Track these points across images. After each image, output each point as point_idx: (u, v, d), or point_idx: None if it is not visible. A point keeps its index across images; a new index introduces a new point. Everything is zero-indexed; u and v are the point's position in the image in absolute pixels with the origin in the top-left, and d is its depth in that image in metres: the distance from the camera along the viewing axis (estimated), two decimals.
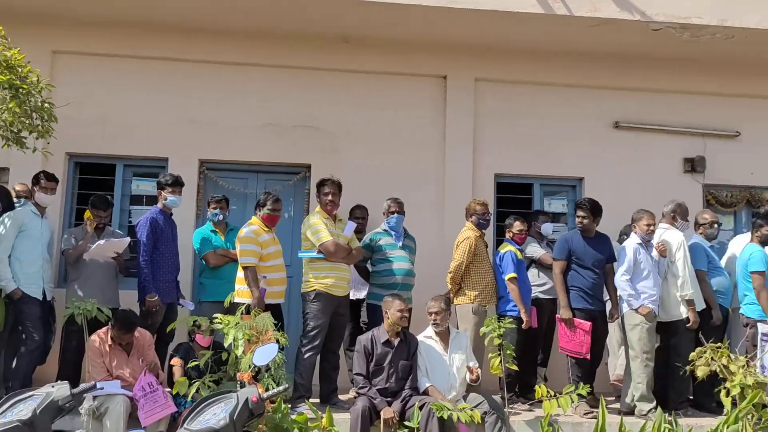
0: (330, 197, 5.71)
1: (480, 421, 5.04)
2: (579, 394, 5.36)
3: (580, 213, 5.98)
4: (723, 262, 6.44)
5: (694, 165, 7.32)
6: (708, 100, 7.48)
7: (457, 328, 5.84)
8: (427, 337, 5.49)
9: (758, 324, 5.73)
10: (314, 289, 5.55)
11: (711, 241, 6.42)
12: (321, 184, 5.81)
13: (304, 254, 5.68)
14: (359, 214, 6.48)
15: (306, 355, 5.51)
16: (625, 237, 6.39)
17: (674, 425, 5.19)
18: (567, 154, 7.24)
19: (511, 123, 7.23)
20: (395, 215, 6.06)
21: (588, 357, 5.75)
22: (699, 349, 5.52)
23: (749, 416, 5.10)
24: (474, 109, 7.14)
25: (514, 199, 7.30)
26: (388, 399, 5.09)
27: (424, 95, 7.18)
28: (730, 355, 5.38)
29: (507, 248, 6.03)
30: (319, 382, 5.73)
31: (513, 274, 5.87)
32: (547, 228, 6.67)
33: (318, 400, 5.63)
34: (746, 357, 5.45)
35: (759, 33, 6.46)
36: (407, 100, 7.15)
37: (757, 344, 5.65)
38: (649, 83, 7.37)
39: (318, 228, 5.55)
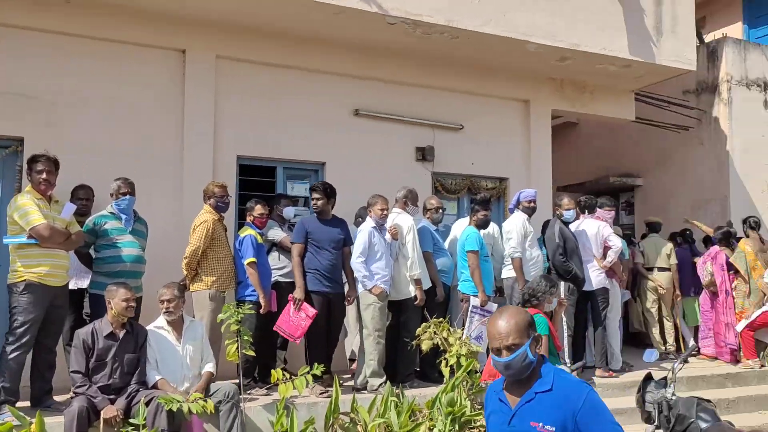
0: (44, 175, 5.04)
1: (213, 411, 4.88)
2: (314, 375, 5.47)
3: (314, 195, 6.09)
4: (446, 244, 7.04)
5: (424, 154, 7.87)
6: (437, 94, 8.08)
7: (193, 317, 5.60)
8: (158, 327, 5.16)
9: (471, 298, 6.36)
10: (24, 280, 4.88)
11: (437, 224, 6.97)
12: (33, 160, 5.10)
13: (10, 240, 4.96)
14: (82, 195, 5.85)
15: (12, 355, 4.83)
16: (360, 220, 6.66)
17: (401, 397, 5.53)
18: (310, 139, 7.30)
19: (255, 105, 7.07)
20: (126, 197, 5.57)
21: (297, 342, 5.89)
22: (424, 324, 5.98)
23: (464, 383, 5.64)
24: (215, 87, 6.83)
25: (258, 182, 7.18)
26: (112, 396, 4.70)
27: (161, 69, 6.68)
28: (450, 328, 5.91)
29: (246, 232, 5.90)
30: (31, 384, 5.09)
31: (252, 259, 5.77)
32: (288, 211, 6.68)
33: (29, 404, 5.00)
34: (462, 329, 6.03)
35: (479, 36, 7.11)
36: (142, 72, 6.59)
37: (468, 316, 6.27)
38: (388, 74, 7.72)
39: (27, 210, 4.86)
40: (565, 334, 6.92)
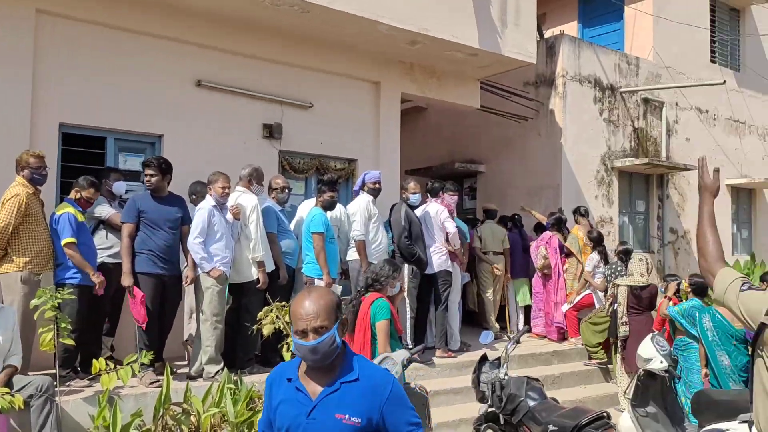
0: None
1: (23, 406, 4.38)
2: (143, 363, 5.10)
3: (148, 171, 5.64)
4: (292, 225, 6.84)
5: (272, 131, 7.57)
6: (287, 70, 7.79)
7: (2, 302, 4.98)
8: None
9: (316, 281, 6.24)
10: None
11: (282, 205, 6.74)
12: None
13: None
14: None
15: None
16: (194, 196, 6.28)
17: (239, 384, 5.29)
18: (146, 109, 6.74)
19: (84, 68, 6.39)
20: None
21: (143, 327, 5.49)
22: (266, 308, 5.76)
23: None
24: (35, 45, 6.07)
25: (84, 153, 6.52)
26: None
27: None
28: None
29: (65, 209, 5.32)
30: None
31: (70, 239, 5.22)
32: (119, 187, 6.14)
33: None
34: None
35: (330, 12, 6.91)
36: None
37: None
38: (235, 46, 7.31)
39: None
40: (408, 316, 7.01)
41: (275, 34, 7.46)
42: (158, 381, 5.34)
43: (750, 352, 2.49)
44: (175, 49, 6.93)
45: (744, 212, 13.65)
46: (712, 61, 12.72)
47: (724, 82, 11.34)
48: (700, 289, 6.60)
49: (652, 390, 5.42)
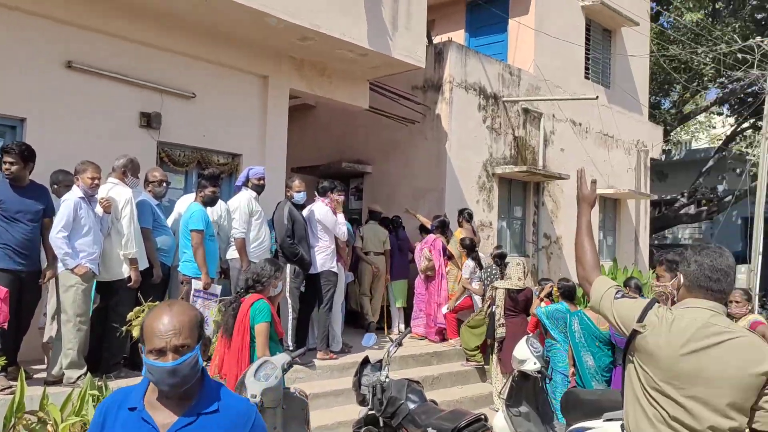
0: None
1: None
2: None
3: (7, 159, 5.16)
4: (169, 221, 6.49)
5: (150, 120, 7.13)
6: (170, 58, 7.38)
7: None
8: None
9: (193, 281, 5.95)
10: None
11: (159, 199, 6.39)
12: None
13: None
14: None
15: None
16: (56, 186, 5.81)
17: (104, 390, 4.94)
18: (7, 89, 6.13)
19: None
20: None
21: (5, 326, 5.01)
22: (137, 308, 5.43)
23: None
24: None
25: None
26: None
27: None
28: None
29: None
30: None
31: None
32: None
33: None
34: None
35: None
36: None
37: (190, 300, 5.85)
38: (113, 27, 6.83)
39: None
40: (290, 317, 6.86)
41: (158, 18, 7.05)
42: (11, 387, 4.89)
43: (622, 358, 2.59)
44: (43, 27, 6.36)
45: (609, 221, 14.58)
46: (586, 77, 13.49)
47: (597, 97, 12.04)
48: (568, 293, 6.92)
49: (525, 390, 5.60)
